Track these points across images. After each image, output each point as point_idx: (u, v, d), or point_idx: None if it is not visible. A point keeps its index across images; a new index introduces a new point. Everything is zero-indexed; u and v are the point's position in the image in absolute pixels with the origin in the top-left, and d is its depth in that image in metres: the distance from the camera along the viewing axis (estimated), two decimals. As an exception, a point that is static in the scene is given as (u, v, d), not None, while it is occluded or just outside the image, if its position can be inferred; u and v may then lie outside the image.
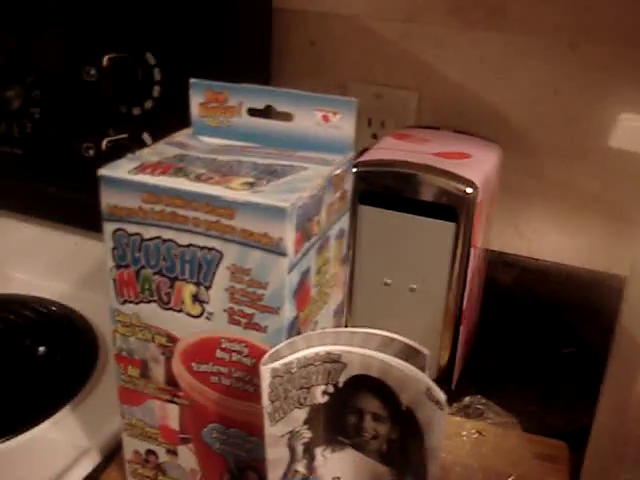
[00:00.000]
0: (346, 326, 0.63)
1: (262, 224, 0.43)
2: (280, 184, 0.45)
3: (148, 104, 0.74)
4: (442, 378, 0.66)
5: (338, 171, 0.49)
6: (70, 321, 0.78)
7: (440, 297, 0.64)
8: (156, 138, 0.74)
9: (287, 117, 0.52)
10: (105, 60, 0.71)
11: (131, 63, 0.72)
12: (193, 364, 0.49)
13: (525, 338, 0.76)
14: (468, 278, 0.64)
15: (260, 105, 0.53)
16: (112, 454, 0.59)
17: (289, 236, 0.43)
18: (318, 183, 0.46)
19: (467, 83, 0.73)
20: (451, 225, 0.61)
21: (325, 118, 0.51)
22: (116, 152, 0.74)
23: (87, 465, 0.58)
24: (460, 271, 0.63)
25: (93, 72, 0.73)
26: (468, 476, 0.54)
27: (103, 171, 0.47)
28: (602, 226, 0.74)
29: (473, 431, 0.58)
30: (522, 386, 0.70)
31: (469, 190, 0.60)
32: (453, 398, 0.65)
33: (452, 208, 0.61)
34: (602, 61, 0.68)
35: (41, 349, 0.73)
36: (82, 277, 0.83)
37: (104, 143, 0.74)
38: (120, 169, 0.47)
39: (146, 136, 0.74)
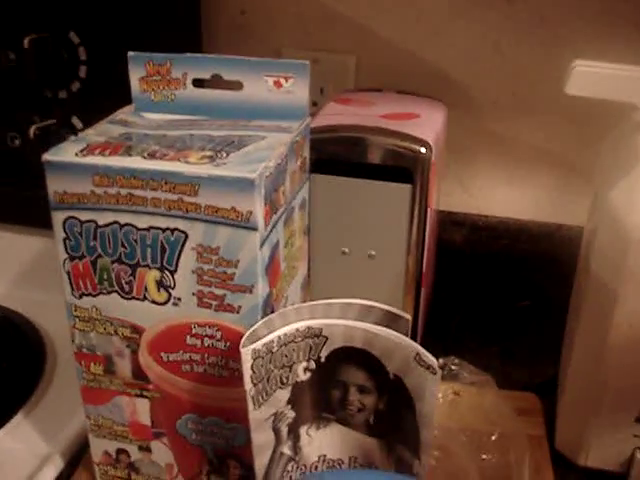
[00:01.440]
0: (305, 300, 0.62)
1: (229, 198, 0.41)
2: (241, 155, 0.43)
3: (75, 86, 0.70)
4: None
5: (298, 138, 0.47)
6: (11, 323, 0.74)
7: (400, 262, 0.63)
8: (86, 121, 0.71)
9: (236, 86, 0.50)
10: (25, 42, 0.67)
11: (54, 43, 0.68)
12: (162, 354, 0.46)
13: (481, 295, 0.76)
14: (426, 240, 0.63)
15: (206, 75, 0.50)
16: (76, 458, 0.56)
17: (259, 209, 0.41)
18: (281, 151, 0.44)
19: (405, 43, 0.72)
20: (407, 187, 0.60)
21: (277, 84, 0.49)
22: (45, 140, 0.71)
23: (51, 472, 0.55)
24: (418, 234, 0.62)
25: (13, 56, 0.69)
26: (451, 438, 0.53)
27: (48, 156, 0.43)
28: (549, 178, 0.74)
29: (449, 392, 0.57)
30: (484, 343, 0.70)
31: (423, 150, 0.59)
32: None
33: (407, 170, 0.59)
34: (539, 12, 0.67)
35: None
36: (19, 276, 0.78)
37: (31, 131, 0.69)
38: (66, 152, 0.43)
39: (75, 120, 0.70)
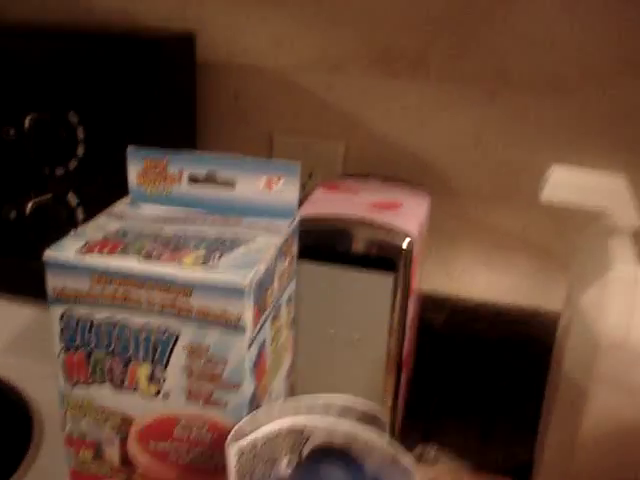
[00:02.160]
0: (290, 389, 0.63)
1: (220, 302, 0.43)
2: (233, 258, 0.45)
3: (72, 164, 0.72)
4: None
5: (287, 238, 0.50)
6: (1, 393, 0.74)
7: (382, 346, 0.65)
8: (82, 197, 0.73)
9: (229, 183, 0.52)
10: (26, 121, 0.69)
11: (53, 122, 0.70)
12: (150, 443, 0.48)
13: (460, 376, 0.78)
14: (407, 325, 0.65)
15: (201, 172, 0.52)
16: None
17: (248, 312, 0.43)
18: (271, 254, 0.46)
19: (391, 131, 0.75)
20: (390, 277, 0.62)
21: (269, 184, 0.51)
22: (40, 214, 0.73)
23: None
24: (400, 320, 0.64)
25: (13, 132, 0.71)
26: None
27: (49, 254, 0.45)
28: (527, 264, 0.77)
29: (427, 478, 0.59)
30: (462, 425, 0.72)
31: (406, 242, 0.61)
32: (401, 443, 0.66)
33: (390, 260, 0.62)
34: (520, 109, 0.71)
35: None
36: (10, 344, 0.80)
37: (28, 206, 0.71)
38: (66, 251, 0.46)
39: (71, 196, 0.73)
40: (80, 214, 0.73)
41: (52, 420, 0.68)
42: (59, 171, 0.73)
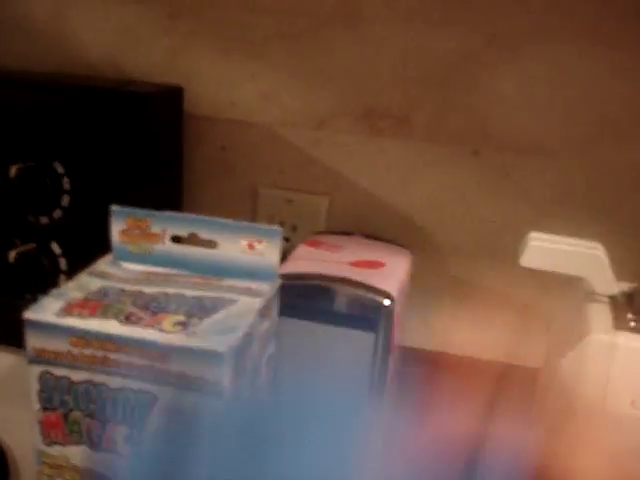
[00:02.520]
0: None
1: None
2: (212, 323, 0.45)
3: (57, 213, 0.72)
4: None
5: (267, 302, 0.50)
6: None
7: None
8: (65, 247, 0.73)
9: (211, 244, 0.53)
10: (12, 171, 0.70)
11: (38, 172, 0.71)
12: (125, 504, 0.48)
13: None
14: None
15: (184, 233, 0.53)
16: None
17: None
18: (250, 319, 0.46)
19: (375, 188, 0.76)
20: (370, 335, 0.63)
21: (250, 246, 0.52)
22: (24, 262, 0.73)
23: None
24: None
25: (-1, 181, 0.72)
26: None
27: (29, 315, 0.45)
28: (508, 320, 0.77)
29: None
30: None
31: (386, 302, 0.62)
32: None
33: (371, 319, 0.62)
34: (503, 168, 0.72)
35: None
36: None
37: (12, 254, 0.71)
38: (46, 311, 0.46)
39: (55, 246, 0.73)
40: (63, 263, 0.73)
41: (29, 468, 0.67)
42: (43, 220, 0.73)
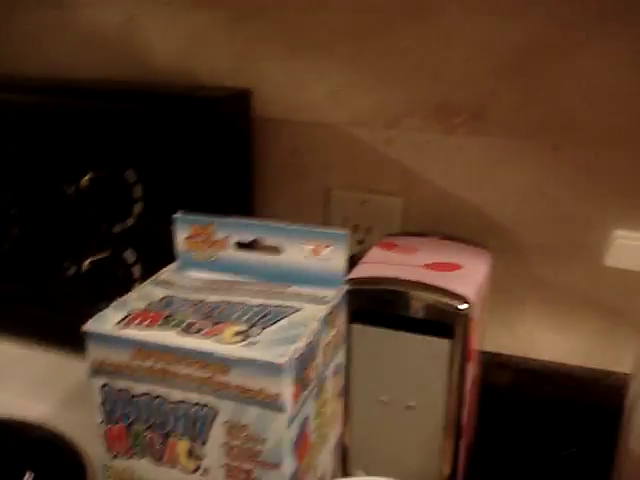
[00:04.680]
0: (344, 446, 0.61)
1: (258, 380, 0.41)
2: (274, 331, 0.44)
3: (130, 221, 0.72)
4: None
5: (333, 309, 0.48)
6: (55, 444, 0.75)
7: (439, 413, 0.62)
8: (139, 255, 0.73)
9: (276, 249, 0.51)
10: (84, 180, 0.70)
11: (111, 181, 0.71)
12: (190, 519, 0.47)
13: (525, 441, 0.74)
14: (466, 389, 0.62)
15: (248, 238, 0.51)
16: None
17: (287, 391, 0.41)
18: (314, 328, 0.45)
19: (451, 187, 0.73)
20: (446, 342, 0.60)
21: (315, 251, 0.50)
22: (98, 271, 0.73)
23: None
24: (457, 386, 0.61)
25: (72, 190, 0.72)
26: None
27: (89, 326, 0.45)
28: (596, 324, 0.73)
29: None
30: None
31: (463, 307, 0.59)
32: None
33: (447, 325, 0.59)
34: (585, 162, 0.68)
35: (28, 475, 0.70)
36: (65, 397, 0.80)
37: (86, 263, 0.72)
38: (107, 322, 0.45)
39: (128, 254, 0.73)
40: (137, 271, 0.73)
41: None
42: (117, 229, 0.73)
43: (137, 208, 0.72)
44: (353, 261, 0.63)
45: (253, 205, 0.78)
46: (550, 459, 0.73)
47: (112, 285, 0.73)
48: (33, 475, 0.70)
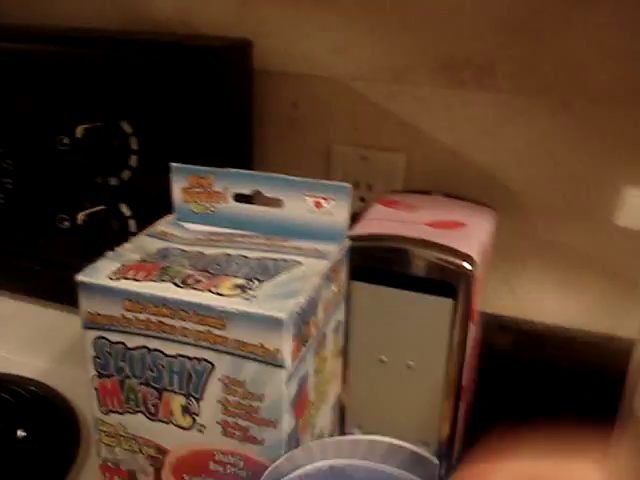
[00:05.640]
0: (341, 405, 0.60)
1: (257, 334, 0.40)
2: (274, 286, 0.42)
3: (125, 174, 0.70)
4: (444, 453, 0.64)
5: (334, 264, 0.46)
6: (49, 401, 0.74)
7: (439, 374, 0.61)
8: (135, 209, 0.71)
9: (276, 203, 0.49)
10: (79, 131, 0.68)
11: (106, 132, 0.69)
12: (185, 476, 0.45)
13: (524, 404, 0.73)
14: (467, 350, 0.61)
15: (247, 190, 0.50)
16: None
17: (286, 347, 0.40)
18: (315, 283, 0.43)
19: (456, 144, 0.71)
20: (449, 301, 0.58)
21: (317, 204, 0.48)
22: (93, 225, 0.72)
23: None
24: (459, 346, 0.60)
25: (66, 141, 0.70)
26: None
27: (82, 277, 0.43)
28: (601, 287, 0.72)
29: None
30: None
31: (467, 265, 0.57)
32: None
33: (450, 284, 0.58)
34: (596, 121, 0.66)
35: (20, 433, 0.70)
36: (60, 352, 0.79)
37: (80, 217, 0.70)
38: (100, 274, 0.44)
39: (124, 207, 0.71)
40: (133, 225, 0.71)
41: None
42: (112, 181, 0.71)
43: (133, 161, 0.70)
44: (354, 219, 0.62)
45: (252, 160, 0.76)
46: (549, 423, 0.72)
47: (107, 239, 0.71)
48: (25, 433, 0.69)
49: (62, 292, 0.76)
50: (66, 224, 0.74)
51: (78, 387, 0.72)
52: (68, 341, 0.79)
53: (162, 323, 0.42)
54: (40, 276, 0.79)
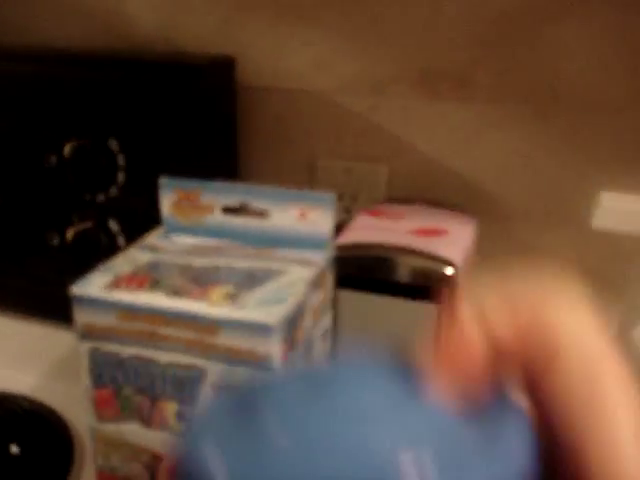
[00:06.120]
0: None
1: (247, 340, 0.41)
2: (262, 294, 0.44)
3: (113, 191, 0.72)
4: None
5: (320, 271, 0.48)
6: (42, 416, 0.74)
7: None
8: (123, 224, 0.73)
9: (263, 213, 0.51)
10: (66, 148, 0.69)
11: (93, 150, 0.70)
12: (180, 482, 0.46)
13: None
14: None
15: (234, 203, 0.51)
16: None
17: (276, 351, 0.41)
18: (301, 290, 0.45)
19: (436, 154, 0.73)
20: (432, 306, 0.60)
21: (302, 214, 0.50)
22: (82, 241, 0.73)
23: None
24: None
25: (54, 159, 0.71)
26: None
27: (76, 289, 0.45)
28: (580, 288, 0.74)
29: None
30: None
31: (449, 271, 0.59)
32: None
33: (433, 289, 0.59)
34: (572, 129, 0.68)
35: (14, 449, 0.70)
36: (51, 368, 0.80)
37: (68, 234, 0.71)
38: (93, 286, 0.45)
39: (112, 223, 0.72)
40: (122, 240, 0.73)
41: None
42: (100, 198, 0.72)
43: (120, 177, 0.71)
44: (339, 229, 0.63)
45: (238, 175, 0.78)
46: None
47: (96, 255, 0.72)
48: (19, 449, 0.70)
49: (51, 309, 0.78)
50: (55, 241, 0.75)
51: (70, 401, 0.73)
52: (58, 357, 0.79)
53: (155, 332, 0.43)
54: (29, 293, 0.80)
